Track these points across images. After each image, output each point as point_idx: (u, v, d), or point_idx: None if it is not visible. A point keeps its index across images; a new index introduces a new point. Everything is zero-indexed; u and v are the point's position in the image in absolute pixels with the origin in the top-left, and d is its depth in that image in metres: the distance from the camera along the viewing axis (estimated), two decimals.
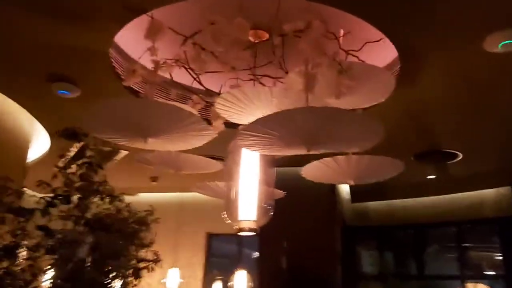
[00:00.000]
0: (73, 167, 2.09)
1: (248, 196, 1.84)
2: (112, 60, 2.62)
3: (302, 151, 1.41)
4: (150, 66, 1.80)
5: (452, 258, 5.78)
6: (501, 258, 5.16)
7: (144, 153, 2.27)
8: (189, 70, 2.11)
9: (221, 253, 7.12)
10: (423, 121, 3.24)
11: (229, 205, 1.85)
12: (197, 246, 6.37)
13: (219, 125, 2.12)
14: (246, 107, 1.66)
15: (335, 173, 1.97)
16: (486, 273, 5.73)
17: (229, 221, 1.81)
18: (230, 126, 2.03)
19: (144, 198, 5.48)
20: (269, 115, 1.24)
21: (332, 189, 4.61)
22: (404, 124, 3.19)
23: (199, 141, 1.67)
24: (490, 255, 5.64)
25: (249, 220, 1.80)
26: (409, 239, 5.97)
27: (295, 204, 4.67)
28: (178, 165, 2.30)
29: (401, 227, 5.80)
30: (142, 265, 2.45)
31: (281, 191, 2.25)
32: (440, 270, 5.80)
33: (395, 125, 3.22)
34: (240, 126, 1.48)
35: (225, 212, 1.82)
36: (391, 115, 3.08)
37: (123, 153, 3.51)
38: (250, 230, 1.78)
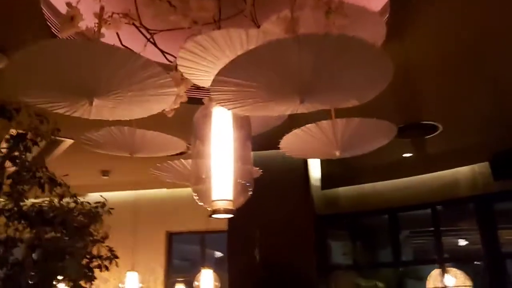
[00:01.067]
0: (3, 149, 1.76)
1: (222, 172, 1.59)
2: (46, 18, 2.26)
3: (293, 105, 1.18)
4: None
5: (428, 242, 5.76)
6: (479, 238, 5.16)
7: (90, 132, 1.97)
8: (141, 29, 1.84)
9: (182, 255, 6.83)
10: (405, 89, 3.08)
11: (200, 184, 1.59)
12: (157, 247, 6.03)
13: (182, 93, 1.86)
14: (216, 60, 1.40)
15: (319, 142, 1.75)
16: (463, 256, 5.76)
17: (201, 203, 1.56)
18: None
19: (95, 198, 5.11)
20: (251, 50, 0.98)
21: (305, 175, 4.41)
22: (383, 92, 3.01)
23: (159, 104, 1.39)
24: (466, 236, 5.67)
25: (224, 200, 1.55)
26: (383, 224, 5.90)
27: (266, 194, 4.45)
28: (133, 146, 2.01)
29: (374, 213, 5.71)
30: (94, 263, 2.14)
31: (258, 169, 2.02)
32: (416, 256, 5.77)
33: None
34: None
35: (196, 194, 1.56)
36: None
37: (67, 142, 3.15)
38: (226, 211, 1.53)
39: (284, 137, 1.78)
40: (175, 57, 1.83)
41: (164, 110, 2.01)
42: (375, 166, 4.81)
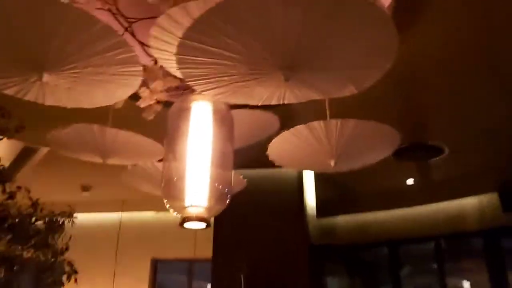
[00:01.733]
0: None
1: (198, 174, 1.41)
2: None
3: (276, 84, 1.00)
4: None
5: (431, 281, 5.47)
6: (486, 280, 4.83)
7: (56, 130, 1.79)
8: (118, 17, 1.69)
9: (167, 285, 6.51)
10: (408, 103, 2.90)
11: (171, 187, 1.40)
12: (140, 275, 5.72)
13: (160, 88, 1.69)
14: None
15: (311, 149, 1.57)
16: None
17: (172, 210, 1.36)
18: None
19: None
20: (222, 2, 0.81)
21: (300, 200, 4.19)
22: (384, 106, 2.81)
23: (123, 87, 1.21)
24: (472, 277, 5.37)
25: (198, 207, 1.36)
26: (383, 258, 5.62)
27: (255, 219, 4.23)
28: (104, 148, 1.82)
29: (373, 245, 5.44)
30: (48, 279, 1.91)
31: (242, 177, 1.83)
32: None
33: (372, 108, 2.79)
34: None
35: (166, 199, 1.37)
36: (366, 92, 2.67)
37: (42, 151, 2.96)
38: (199, 219, 1.34)
39: (272, 141, 1.60)
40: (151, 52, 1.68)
41: (143, 112, 1.87)
42: (375, 193, 4.59)
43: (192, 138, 1.44)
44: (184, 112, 1.48)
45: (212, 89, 1.06)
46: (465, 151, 3.77)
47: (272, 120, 1.82)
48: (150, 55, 1.74)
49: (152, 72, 1.66)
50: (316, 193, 4.54)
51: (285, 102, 1.14)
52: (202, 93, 1.09)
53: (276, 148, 1.59)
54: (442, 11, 2.12)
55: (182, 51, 0.91)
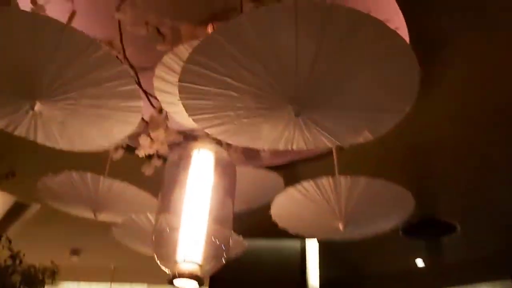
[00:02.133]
0: None
1: (193, 227, 1.29)
2: None
3: (285, 122, 0.93)
4: None
5: None
6: None
7: (48, 176, 1.70)
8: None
9: None
10: (418, 173, 2.80)
11: (163, 239, 1.28)
12: None
13: (162, 139, 1.62)
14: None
15: (318, 208, 1.46)
16: None
17: (162, 265, 1.23)
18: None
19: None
20: (230, 23, 0.75)
21: (302, 278, 3.95)
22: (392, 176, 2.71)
23: (121, 125, 1.14)
24: None
25: (191, 263, 1.23)
26: None
27: None
28: (96, 200, 1.72)
29: None
30: None
31: (241, 238, 1.70)
32: None
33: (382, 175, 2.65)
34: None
35: (156, 250, 1.25)
36: (375, 160, 2.62)
37: (33, 208, 2.84)
38: (191, 277, 1.20)
39: (276, 198, 1.51)
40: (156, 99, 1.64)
41: (142, 166, 1.79)
42: (382, 275, 4.33)
43: (190, 188, 1.35)
44: (183, 160, 1.39)
45: (216, 125, 0.99)
46: (479, 232, 3.61)
47: (277, 181, 1.73)
48: (155, 106, 1.72)
49: (155, 121, 1.61)
50: (320, 272, 4.31)
51: (294, 147, 1.06)
52: (205, 130, 1.01)
53: (280, 207, 1.49)
54: (459, 85, 2.10)
55: (186, 77, 0.85)
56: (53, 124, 1.12)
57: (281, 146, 1.06)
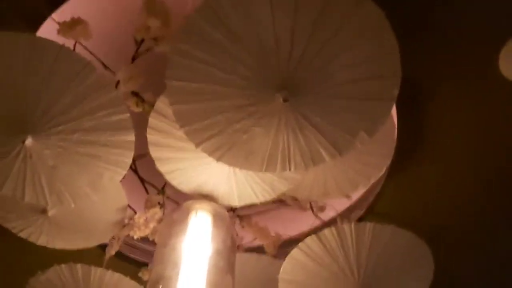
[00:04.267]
0: None
1: None
2: None
3: (276, 119, 0.94)
4: None
5: None
6: None
7: (36, 277, 1.60)
8: None
9: None
10: None
11: None
12: None
13: (155, 219, 1.58)
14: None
15: (329, 273, 1.34)
16: None
17: None
18: None
19: None
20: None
21: None
22: None
23: (113, 167, 1.12)
24: None
25: None
26: None
27: None
28: None
29: None
30: None
31: None
32: None
33: None
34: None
35: None
36: None
37: None
38: None
39: (283, 265, 1.40)
40: (157, 188, 1.65)
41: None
42: None
43: (184, 259, 1.27)
44: (178, 225, 1.35)
45: (208, 139, 1.00)
46: None
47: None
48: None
49: (151, 201, 1.60)
50: None
51: (292, 168, 1.05)
52: (199, 147, 1.02)
53: (289, 273, 1.38)
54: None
55: (173, 72, 0.90)
56: (43, 171, 1.12)
57: (278, 167, 1.05)
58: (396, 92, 0.92)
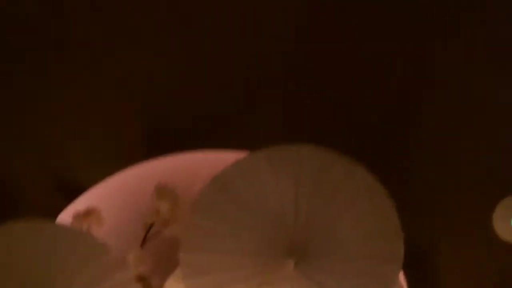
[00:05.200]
0: None
1: None
2: None
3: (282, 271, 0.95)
4: None
5: None
6: None
7: None
8: None
9: None
10: None
11: None
12: None
13: None
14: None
15: None
16: None
17: None
18: None
19: None
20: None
21: None
22: None
23: None
24: None
25: None
26: None
27: None
28: None
29: None
30: None
31: None
32: None
33: None
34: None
35: None
36: None
37: None
38: None
39: None
40: None
41: None
42: None
43: None
44: None
45: None
46: None
47: None
48: None
49: None
50: None
51: None
52: None
53: None
54: None
55: (189, 245, 0.95)
56: None
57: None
58: (402, 252, 0.97)
